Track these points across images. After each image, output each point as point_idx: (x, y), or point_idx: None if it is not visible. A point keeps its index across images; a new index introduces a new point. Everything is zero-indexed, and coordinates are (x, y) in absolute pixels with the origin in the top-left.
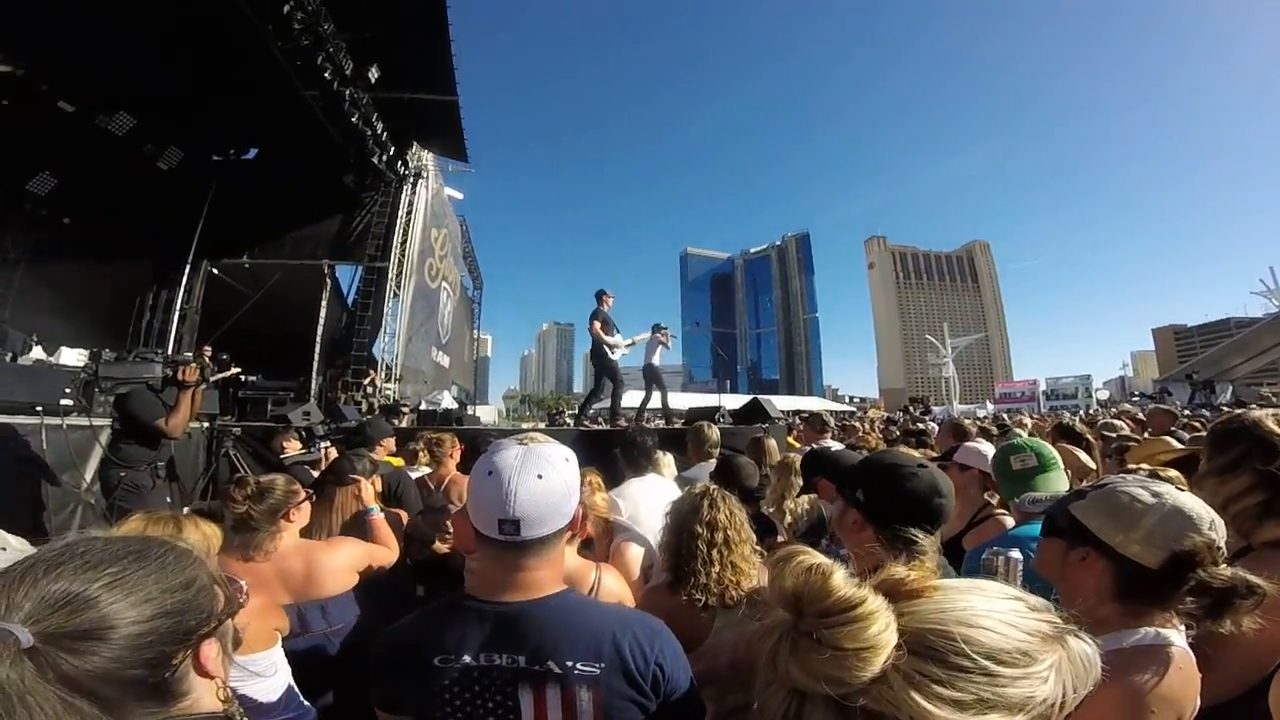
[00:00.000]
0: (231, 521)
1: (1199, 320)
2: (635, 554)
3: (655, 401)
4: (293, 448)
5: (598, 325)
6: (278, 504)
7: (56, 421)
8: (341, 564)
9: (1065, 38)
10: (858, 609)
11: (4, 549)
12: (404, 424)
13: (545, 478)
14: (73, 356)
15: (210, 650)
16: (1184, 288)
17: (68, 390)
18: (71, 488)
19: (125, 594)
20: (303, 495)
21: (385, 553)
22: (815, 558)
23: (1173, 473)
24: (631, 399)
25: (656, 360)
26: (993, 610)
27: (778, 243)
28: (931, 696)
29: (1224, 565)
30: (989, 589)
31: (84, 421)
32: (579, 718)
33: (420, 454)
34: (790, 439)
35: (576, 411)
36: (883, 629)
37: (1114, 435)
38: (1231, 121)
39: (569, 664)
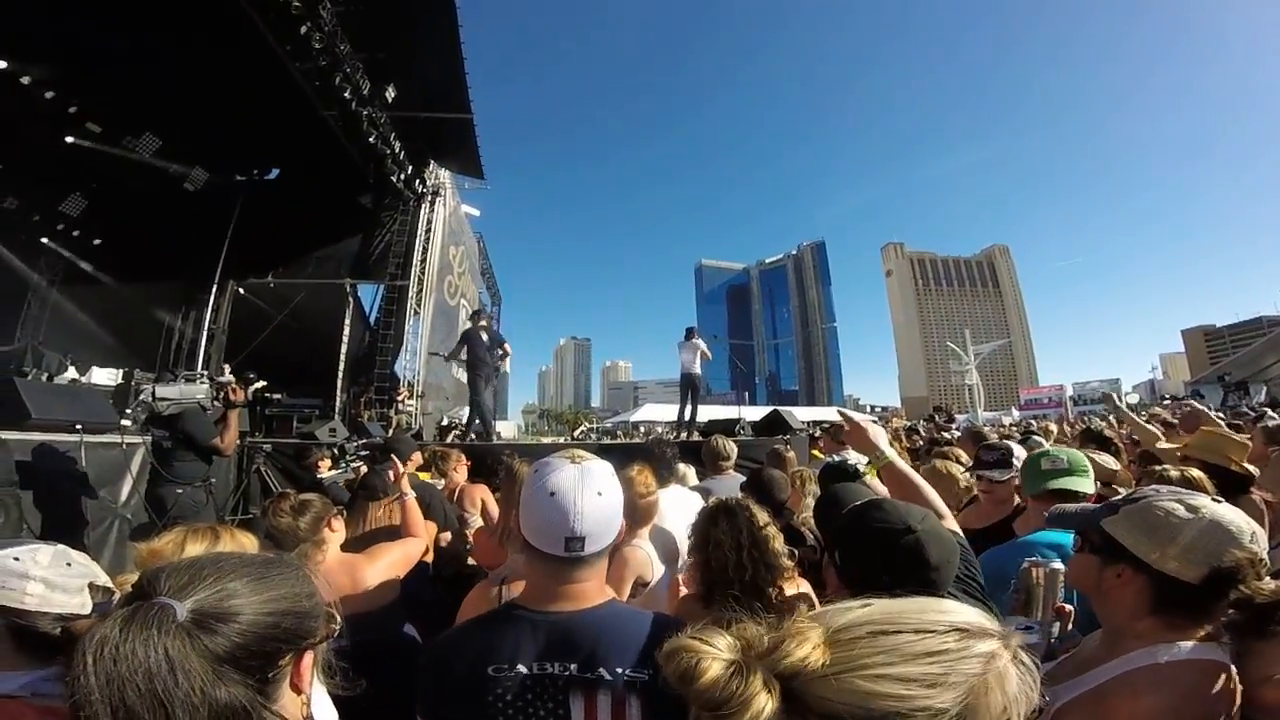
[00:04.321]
0: (274, 535)
1: (1229, 320)
2: (634, 562)
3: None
4: (325, 466)
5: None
6: (320, 514)
7: (98, 440)
8: (382, 572)
9: (1100, 34)
10: (727, 704)
11: (69, 564)
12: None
13: (604, 494)
14: (104, 376)
15: (308, 661)
16: (1212, 287)
17: (128, 410)
18: (109, 503)
19: (261, 590)
20: (336, 508)
21: (416, 544)
22: (697, 650)
23: (1195, 473)
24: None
25: (697, 369)
26: (890, 669)
27: (793, 252)
28: None
29: (1268, 579)
30: (891, 640)
31: (135, 439)
32: None
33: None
34: (815, 451)
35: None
36: (759, 712)
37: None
38: (1262, 118)
39: (619, 670)
